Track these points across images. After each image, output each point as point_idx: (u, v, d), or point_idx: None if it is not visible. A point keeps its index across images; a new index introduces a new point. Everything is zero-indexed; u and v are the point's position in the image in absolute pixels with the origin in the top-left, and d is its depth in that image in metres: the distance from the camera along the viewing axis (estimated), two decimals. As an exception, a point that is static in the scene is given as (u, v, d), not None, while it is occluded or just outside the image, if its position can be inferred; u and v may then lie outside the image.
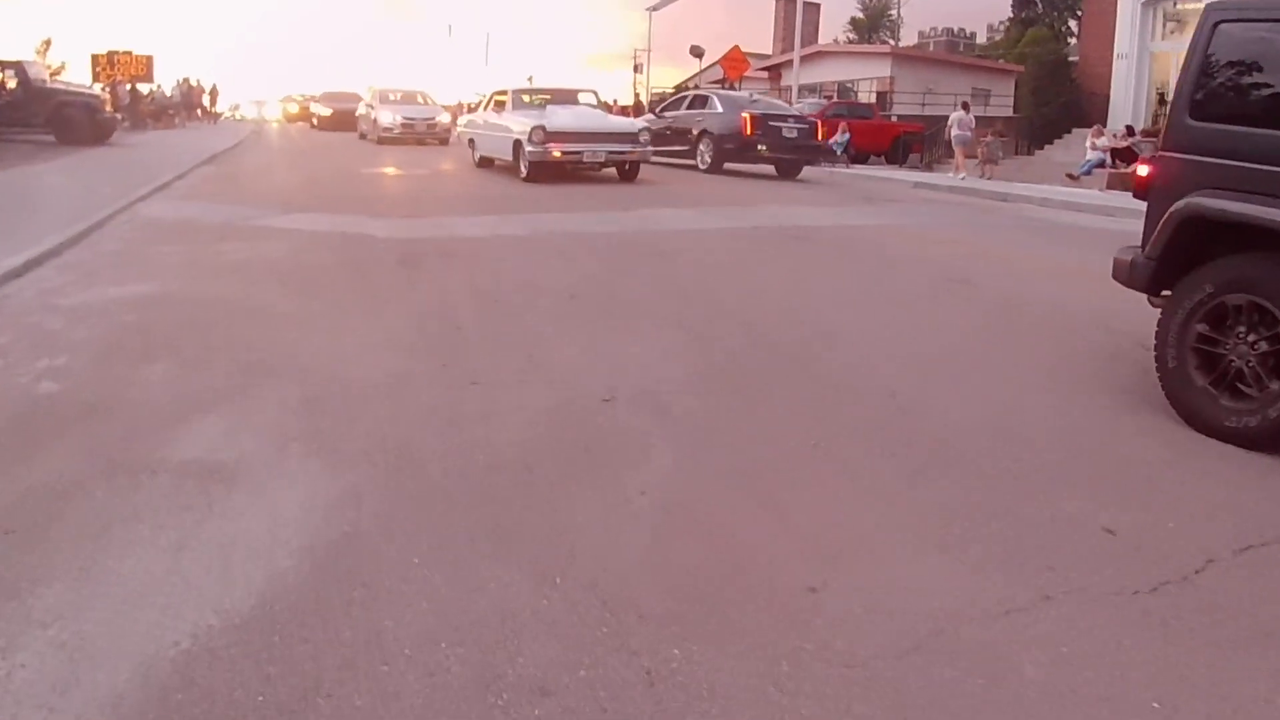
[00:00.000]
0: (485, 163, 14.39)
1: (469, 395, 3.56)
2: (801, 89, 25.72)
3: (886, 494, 2.80)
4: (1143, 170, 3.81)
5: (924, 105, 26.39)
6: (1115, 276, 3.89)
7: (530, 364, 4.00)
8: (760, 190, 13.01)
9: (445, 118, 22.02)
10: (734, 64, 25.16)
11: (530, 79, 28.23)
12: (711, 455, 3.05)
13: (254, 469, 2.80)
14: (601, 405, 3.47)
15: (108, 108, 18.97)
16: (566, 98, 14.01)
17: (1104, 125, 17.84)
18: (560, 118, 12.30)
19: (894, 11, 51.97)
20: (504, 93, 14.11)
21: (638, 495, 2.70)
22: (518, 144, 12.29)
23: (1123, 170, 15.96)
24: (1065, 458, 3.15)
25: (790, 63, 27.06)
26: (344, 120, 25.81)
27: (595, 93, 14.93)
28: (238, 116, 41.14)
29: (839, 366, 4.18)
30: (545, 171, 12.14)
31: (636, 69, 40.13)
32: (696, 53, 28.86)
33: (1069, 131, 19.99)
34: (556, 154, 11.92)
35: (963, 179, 16.90)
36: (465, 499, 2.65)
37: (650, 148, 13.10)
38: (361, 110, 23.47)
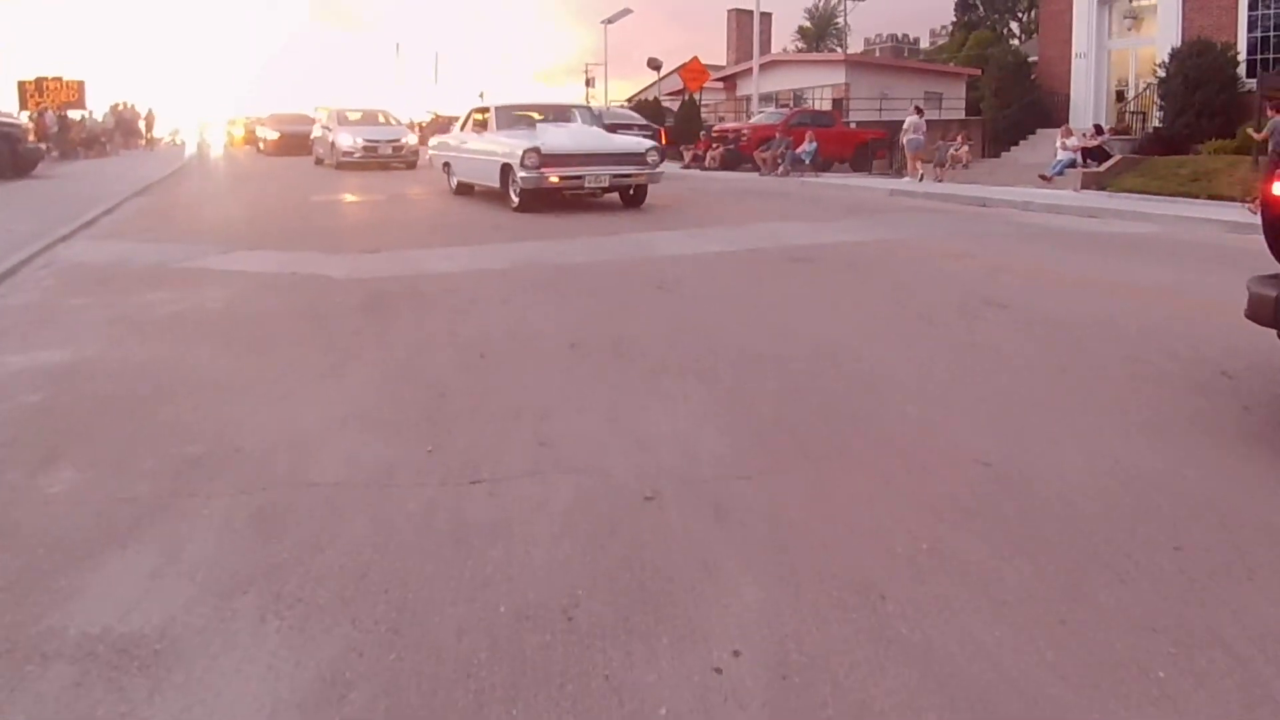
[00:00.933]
0: (464, 189, 13.07)
1: (470, 497, 2.80)
2: (758, 98, 25.30)
3: (1048, 622, 2.11)
4: (1278, 189, 3.17)
5: (880, 111, 26.19)
6: (1253, 315, 3.24)
7: (539, 444, 3.24)
8: (742, 205, 12.42)
9: (412, 139, 20.89)
10: (694, 75, 24.66)
11: (481, 95, 27.42)
12: (802, 576, 2.33)
13: (190, 646, 2.00)
14: (643, 505, 2.73)
15: (32, 137, 17.76)
16: (558, 114, 12.60)
17: (1068, 124, 17.66)
18: (556, 138, 10.77)
19: (840, 20, 52.37)
20: (485, 110, 12.64)
21: (730, 657, 1.96)
22: (506, 169, 10.78)
23: (1095, 169, 15.77)
24: (1225, 542, 2.51)
25: (744, 72, 26.70)
26: (294, 144, 24.56)
27: (589, 108, 13.79)
28: (178, 141, 39.51)
29: (904, 424, 3.50)
30: (540, 199, 10.67)
31: (588, 83, 39.64)
32: (654, 65, 28.38)
33: (1033, 132, 19.83)
34: (554, 179, 10.31)
35: (908, 180, 16.81)
36: (495, 680, 1.89)
37: (661, 169, 11.50)
38: (317, 133, 22.16)
